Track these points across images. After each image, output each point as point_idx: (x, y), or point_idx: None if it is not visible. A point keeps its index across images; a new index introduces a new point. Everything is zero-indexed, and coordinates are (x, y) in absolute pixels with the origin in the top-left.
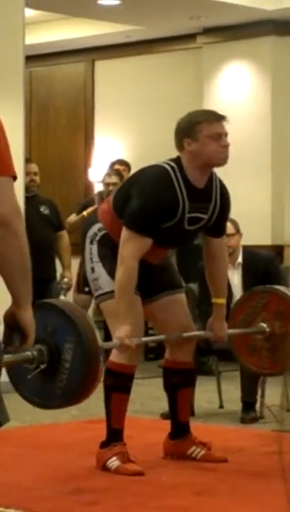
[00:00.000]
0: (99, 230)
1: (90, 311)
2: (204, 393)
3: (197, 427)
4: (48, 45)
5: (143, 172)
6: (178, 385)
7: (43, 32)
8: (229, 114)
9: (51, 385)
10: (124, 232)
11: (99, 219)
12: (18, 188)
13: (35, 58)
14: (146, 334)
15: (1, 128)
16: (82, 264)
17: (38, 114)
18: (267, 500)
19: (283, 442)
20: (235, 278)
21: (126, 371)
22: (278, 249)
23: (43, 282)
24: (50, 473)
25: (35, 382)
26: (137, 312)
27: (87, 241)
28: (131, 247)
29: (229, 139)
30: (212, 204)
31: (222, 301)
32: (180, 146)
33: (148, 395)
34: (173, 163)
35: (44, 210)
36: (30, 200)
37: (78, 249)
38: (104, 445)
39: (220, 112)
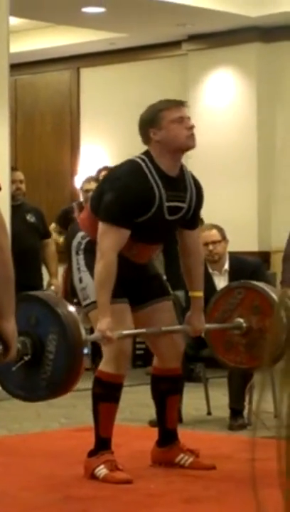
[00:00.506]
0: (83, 237)
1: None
2: (192, 400)
3: (185, 434)
4: (33, 53)
5: (114, 168)
6: (166, 392)
7: (28, 40)
8: (215, 120)
9: (36, 376)
10: (100, 226)
11: (81, 227)
12: (4, 196)
13: (20, 66)
14: (134, 343)
15: None
16: (68, 274)
17: (24, 122)
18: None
19: (258, 448)
20: (222, 284)
21: (115, 381)
22: (265, 256)
23: (30, 290)
24: (38, 482)
25: (20, 375)
26: (127, 321)
27: (73, 252)
28: (108, 239)
29: (215, 145)
30: (188, 193)
31: (199, 294)
32: (146, 138)
33: (136, 403)
34: (143, 156)
35: (30, 218)
36: (17, 208)
37: (64, 256)
38: (92, 454)
39: (207, 119)
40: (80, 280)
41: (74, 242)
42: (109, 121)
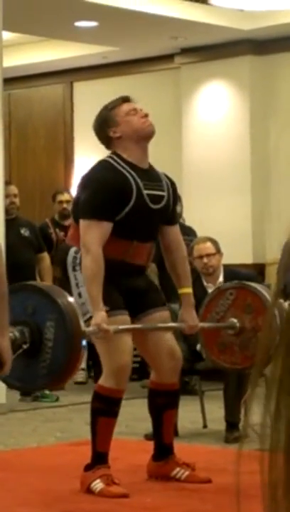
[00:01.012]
0: (76, 252)
1: None
2: (187, 413)
3: (181, 448)
4: (26, 67)
5: (85, 173)
6: (163, 406)
7: (21, 54)
8: (208, 133)
9: (35, 365)
10: (81, 224)
11: (71, 243)
12: None
13: (13, 80)
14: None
15: None
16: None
17: (18, 136)
18: None
19: (251, 461)
20: None
21: (114, 395)
22: (259, 268)
23: None
24: (35, 497)
25: (19, 365)
26: (126, 334)
27: (70, 269)
28: (91, 234)
29: (209, 158)
30: (163, 182)
31: (188, 290)
32: (107, 140)
33: (132, 416)
34: (110, 155)
35: (24, 232)
36: (11, 222)
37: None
38: (88, 468)
39: (200, 132)
40: (79, 295)
41: (69, 259)
42: None
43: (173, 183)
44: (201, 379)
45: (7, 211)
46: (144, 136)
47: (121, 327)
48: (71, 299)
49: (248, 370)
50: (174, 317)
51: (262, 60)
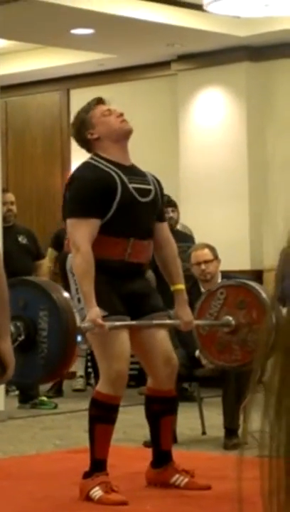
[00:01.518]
0: None
1: None
2: (186, 420)
3: (180, 454)
4: (23, 75)
5: (70, 175)
6: (161, 413)
7: (17, 62)
8: (205, 140)
9: (33, 357)
10: (68, 223)
11: (68, 250)
12: None
13: (10, 88)
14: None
15: None
16: None
17: (14, 144)
18: None
19: (243, 467)
20: None
21: (111, 402)
22: (257, 274)
23: None
24: (34, 505)
25: (17, 361)
26: (124, 340)
27: (70, 275)
28: (79, 232)
29: (206, 164)
30: (148, 177)
31: (181, 286)
32: (86, 143)
33: (130, 423)
34: (91, 156)
35: (22, 239)
36: (8, 230)
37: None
38: (86, 475)
39: (197, 139)
40: (79, 300)
41: (68, 266)
42: None
43: (158, 181)
44: (200, 385)
45: (4, 218)
46: (122, 135)
47: (116, 323)
48: (64, 293)
49: (250, 366)
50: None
51: (259, 66)
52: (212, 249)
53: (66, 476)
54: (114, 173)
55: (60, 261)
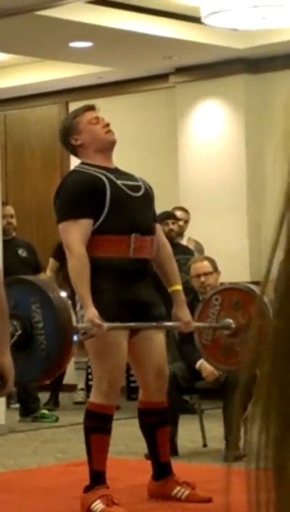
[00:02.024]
0: None
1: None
2: (187, 432)
3: (181, 467)
4: (22, 88)
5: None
6: (155, 425)
7: (16, 75)
8: (203, 152)
9: (33, 352)
10: (60, 228)
11: None
12: None
13: (8, 101)
14: (128, 376)
15: None
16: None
17: (14, 157)
18: None
19: (242, 480)
20: None
21: (105, 412)
22: (257, 285)
23: None
24: None
25: (18, 361)
26: (123, 348)
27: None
28: (71, 234)
29: (205, 176)
30: (135, 176)
31: (178, 287)
32: (71, 147)
33: (131, 436)
34: (77, 165)
35: (22, 252)
36: (8, 243)
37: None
38: (87, 489)
39: (196, 151)
40: (81, 307)
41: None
42: None
43: (147, 183)
44: (200, 398)
45: (4, 232)
46: (106, 145)
47: (115, 324)
48: (55, 287)
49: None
50: (171, 336)
51: (257, 78)
52: (211, 261)
53: (67, 489)
54: (100, 174)
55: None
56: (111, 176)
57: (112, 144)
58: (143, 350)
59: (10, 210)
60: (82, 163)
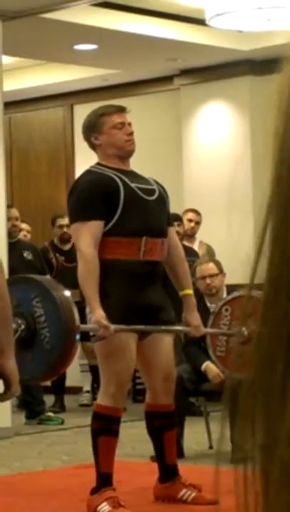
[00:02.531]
0: None
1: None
2: (193, 434)
3: (187, 469)
4: (26, 91)
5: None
6: (161, 428)
7: (21, 78)
8: (209, 154)
9: (38, 347)
10: (71, 229)
11: None
12: (1, 234)
13: (13, 104)
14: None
15: None
16: None
17: (19, 160)
18: None
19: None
20: None
21: (112, 414)
22: (262, 288)
23: None
24: None
25: (24, 359)
26: (132, 352)
27: None
28: (82, 236)
29: (210, 178)
30: (150, 180)
31: (189, 291)
32: (90, 144)
33: (137, 438)
34: (93, 165)
35: (27, 255)
36: (14, 246)
37: None
38: (94, 491)
39: (201, 153)
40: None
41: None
42: None
43: (162, 185)
44: (206, 400)
45: (9, 234)
46: (123, 154)
47: (123, 326)
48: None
49: None
50: (178, 340)
51: (262, 80)
52: (217, 263)
53: (73, 492)
54: (114, 176)
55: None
56: (126, 179)
57: (130, 153)
58: (152, 353)
59: (15, 212)
60: (98, 163)
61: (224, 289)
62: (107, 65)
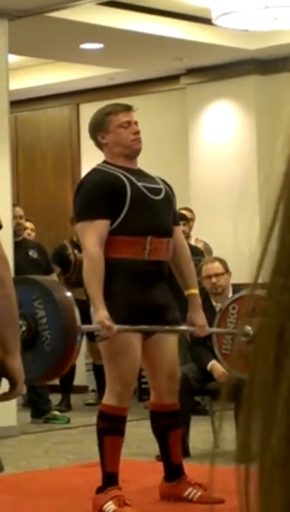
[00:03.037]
0: None
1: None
2: (199, 433)
3: (193, 468)
4: (33, 90)
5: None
6: (167, 427)
7: (27, 77)
8: (215, 153)
9: (40, 348)
10: (77, 228)
11: None
12: (7, 233)
13: (19, 103)
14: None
15: None
16: None
17: (25, 159)
18: None
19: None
20: None
21: (118, 413)
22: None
23: None
24: None
25: (25, 359)
26: (136, 352)
27: None
28: (87, 235)
29: (216, 177)
30: (157, 179)
31: (195, 290)
32: (97, 142)
33: (143, 437)
34: (99, 164)
35: (33, 253)
36: (19, 244)
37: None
38: (100, 490)
39: (207, 152)
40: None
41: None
42: None
43: (168, 184)
44: (212, 399)
45: (14, 233)
46: (130, 153)
47: (126, 327)
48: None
49: None
50: (183, 339)
51: (268, 79)
52: (222, 262)
53: (79, 490)
54: (121, 175)
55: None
56: (132, 177)
57: (137, 152)
58: (156, 352)
59: (19, 211)
60: (104, 161)
61: (230, 288)
62: (113, 64)
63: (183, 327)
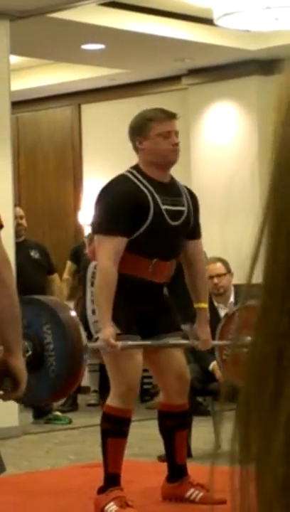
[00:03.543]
0: (95, 267)
1: None
2: (201, 434)
3: (194, 469)
4: (34, 91)
5: (104, 186)
6: (174, 428)
7: (29, 78)
8: (216, 154)
9: (43, 373)
10: (95, 240)
11: (91, 258)
12: (8, 233)
13: (21, 104)
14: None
15: None
16: (76, 307)
17: (26, 159)
18: None
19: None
20: None
21: (122, 415)
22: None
23: None
24: None
25: (28, 383)
26: (137, 359)
27: (88, 284)
28: (104, 250)
29: (217, 178)
30: (183, 197)
31: (205, 304)
32: (134, 145)
33: (144, 438)
34: (130, 169)
35: (34, 254)
36: (20, 245)
37: (73, 292)
38: (101, 490)
39: (208, 153)
40: (93, 312)
41: (88, 274)
42: (111, 156)
43: (193, 197)
44: (214, 399)
45: (16, 233)
46: (164, 164)
47: (129, 343)
48: (70, 311)
49: None
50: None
51: (270, 80)
52: (224, 263)
53: (81, 491)
54: (148, 194)
55: (82, 270)
56: (158, 198)
57: (172, 164)
58: (162, 355)
59: (19, 211)
60: (136, 166)
61: (232, 288)
62: (115, 65)
63: (186, 341)
